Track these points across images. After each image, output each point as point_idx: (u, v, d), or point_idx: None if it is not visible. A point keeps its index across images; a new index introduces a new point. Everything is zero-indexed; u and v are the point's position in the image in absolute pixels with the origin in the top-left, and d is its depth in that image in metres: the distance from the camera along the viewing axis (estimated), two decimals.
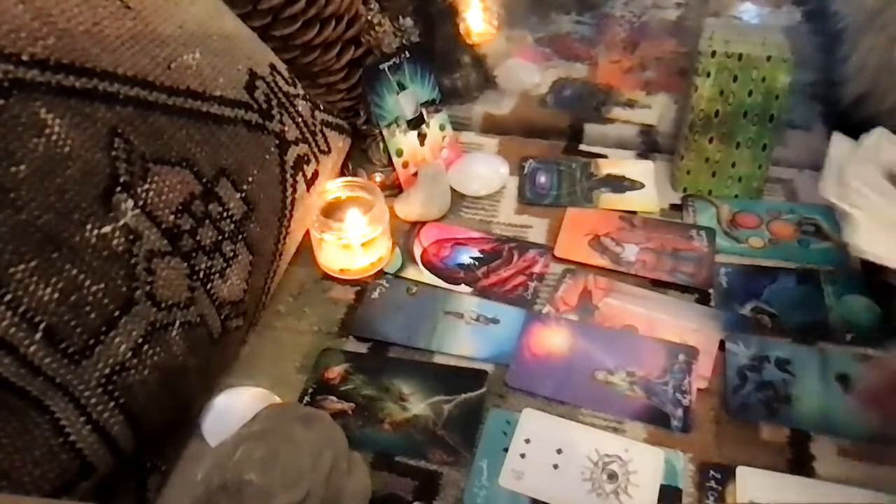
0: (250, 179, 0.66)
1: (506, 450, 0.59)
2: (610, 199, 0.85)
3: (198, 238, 0.60)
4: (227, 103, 0.65)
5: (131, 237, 0.53)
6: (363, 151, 0.88)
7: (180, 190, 0.58)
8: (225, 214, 0.63)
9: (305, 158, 0.75)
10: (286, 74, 0.76)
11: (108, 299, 0.51)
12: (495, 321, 0.70)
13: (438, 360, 0.68)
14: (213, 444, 0.59)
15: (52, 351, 0.47)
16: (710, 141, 0.82)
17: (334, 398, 0.64)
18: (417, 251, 0.78)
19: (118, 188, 0.53)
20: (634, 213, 0.83)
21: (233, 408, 0.62)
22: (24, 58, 0.48)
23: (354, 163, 0.88)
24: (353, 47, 0.85)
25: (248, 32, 0.73)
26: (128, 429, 0.53)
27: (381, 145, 0.85)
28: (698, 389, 0.63)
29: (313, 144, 0.77)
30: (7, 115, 0.46)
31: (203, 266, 0.60)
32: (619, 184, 0.87)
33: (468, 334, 0.69)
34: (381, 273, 0.76)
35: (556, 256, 0.77)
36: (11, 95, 0.47)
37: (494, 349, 0.68)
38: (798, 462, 0.58)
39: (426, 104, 0.87)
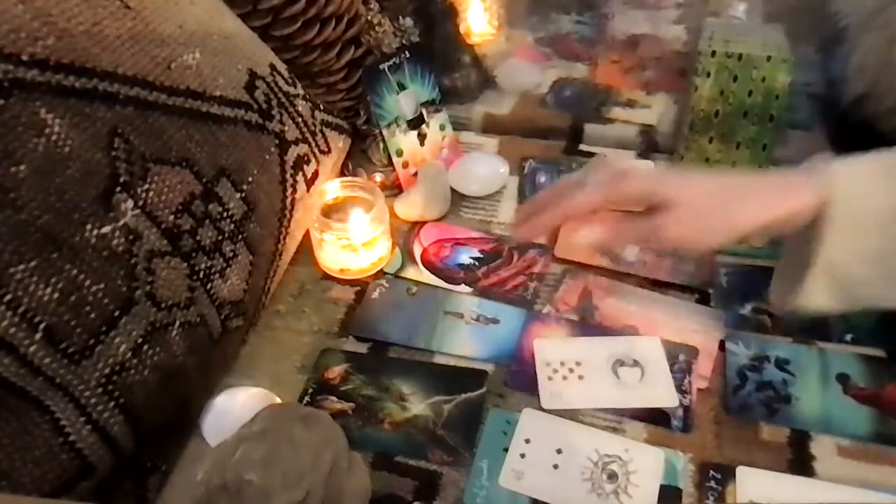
0: (250, 179, 0.66)
1: (506, 450, 0.59)
2: None
3: (198, 238, 0.60)
4: (227, 103, 0.65)
5: (131, 237, 0.53)
6: (363, 151, 0.88)
7: (180, 190, 0.58)
8: (225, 214, 0.63)
9: (305, 158, 0.75)
10: (286, 74, 0.76)
11: (108, 299, 0.51)
12: (495, 321, 0.70)
13: (438, 360, 0.68)
14: (213, 444, 0.59)
15: (52, 351, 0.47)
16: (710, 141, 0.82)
17: (334, 398, 0.64)
18: (417, 251, 0.78)
19: (118, 188, 0.53)
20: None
21: (233, 408, 0.62)
22: (24, 58, 0.48)
23: (354, 163, 0.88)
24: (353, 47, 0.85)
25: (248, 32, 0.73)
26: (128, 429, 0.53)
27: (381, 145, 0.85)
28: (698, 389, 0.63)
29: (313, 144, 0.77)
30: (7, 115, 0.46)
31: (203, 266, 0.60)
32: None
33: (468, 334, 0.69)
34: (381, 273, 0.76)
35: (556, 256, 0.77)
36: (11, 95, 0.47)
37: (494, 349, 0.68)
38: (798, 462, 0.58)
39: (426, 104, 0.87)
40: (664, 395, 0.62)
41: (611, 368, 0.64)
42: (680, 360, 0.65)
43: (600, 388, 0.63)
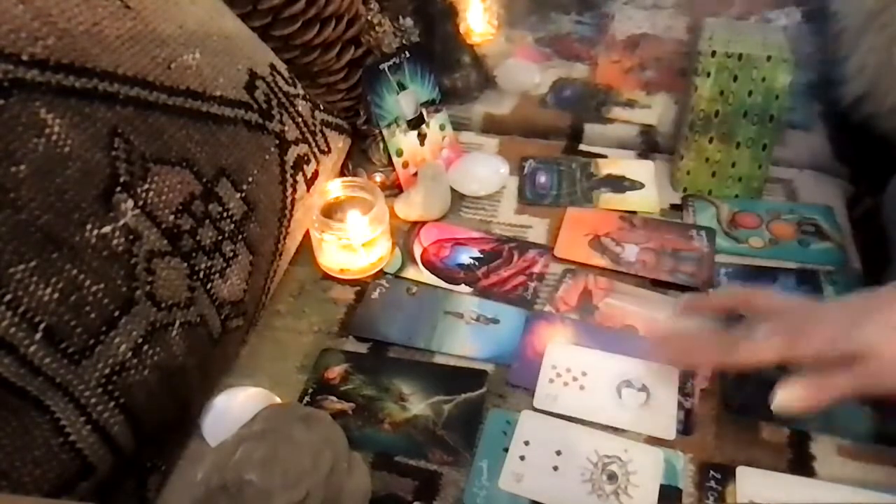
0: (250, 179, 0.66)
1: (506, 450, 0.59)
2: (610, 199, 0.85)
3: (198, 238, 0.60)
4: (227, 103, 0.65)
5: (131, 237, 0.53)
6: (363, 151, 0.88)
7: (180, 190, 0.58)
8: (225, 214, 0.63)
9: (305, 158, 0.75)
10: (286, 74, 0.76)
11: (108, 299, 0.51)
12: (495, 321, 0.70)
13: (438, 360, 0.68)
14: (213, 444, 0.59)
15: (52, 351, 0.47)
16: (710, 141, 0.82)
17: (334, 398, 0.64)
18: (417, 251, 0.78)
19: (118, 188, 0.53)
20: (634, 213, 0.83)
21: (233, 408, 0.62)
22: (24, 58, 0.48)
23: (354, 163, 0.88)
24: (353, 47, 0.85)
25: (248, 32, 0.73)
26: (128, 429, 0.53)
27: (381, 145, 0.85)
28: (699, 390, 0.63)
29: (313, 144, 0.77)
30: (7, 115, 0.46)
31: (203, 266, 0.60)
32: (619, 184, 0.87)
33: (468, 334, 0.69)
34: (381, 273, 0.76)
35: (556, 256, 0.77)
36: (11, 95, 0.47)
37: (494, 349, 0.68)
38: (798, 462, 0.58)
39: (426, 104, 0.87)
40: (662, 426, 0.60)
41: (615, 387, 0.63)
42: None
43: (597, 402, 0.62)
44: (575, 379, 0.64)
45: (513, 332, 0.69)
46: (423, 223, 0.82)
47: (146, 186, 0.55)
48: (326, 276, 0.76)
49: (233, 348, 0.67)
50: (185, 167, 0.59)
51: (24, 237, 0.46)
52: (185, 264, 0.58)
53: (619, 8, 1.18)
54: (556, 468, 0.58)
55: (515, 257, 0.77)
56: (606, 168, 0.89)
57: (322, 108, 0.81)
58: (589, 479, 0.57)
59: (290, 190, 0.72)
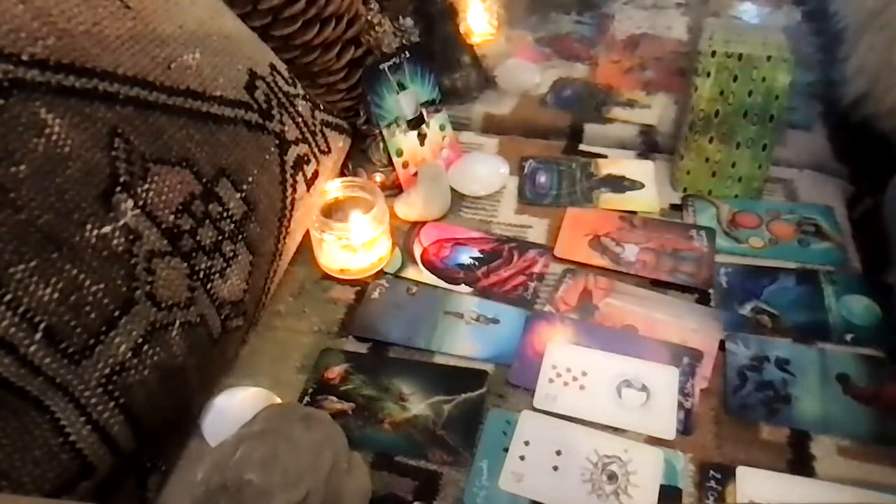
0: (250, 179, 0.66)
1: (506, 450, 0.59)
2: (610, 199, 0.85)
3: (198, 238, 0.60)
4: (227, 103, 0.65)
5: (131, 237, 0.53)
6: (363, 151, 0.88)
7: (180, 190, 0.58)
8: (225, 214, 0.63)
9: (305, 158, 0.75)
10: (286, 74, 0.76)
11: (108, 299, 0.51)
12: (495, 321, 0.70)
13: (438, 360, 0.68)
14: (213, 444, 0.59)
15: (52, 351, 0.47)
16: (710, 141, 0.82)
17: (334, 398, 0.64)
18: (417, 251, 0.78)
19: (118, 188, 0.53)
20: (634, 213, 0.83)
21: (233, 408, 0.62)
22: (24, 58, 0.48)
23: (354, 163, 0.88)
24: (353, 47, 0.85)
25: (248, 32, 0.73)
26: (128, 429, 0.53)
27: (381, 145, 0.85)
28: (699, 390, 0.63)
29: (313, 144, 0.77)
30: (7, 115, 0.46)
31: (203, 266, 0.60)
32: (619, 184, 0.87)
33: (468, 334, 0.69)
34: (381, 273, 0.76)
35: (556, 256, 0.77)
36: (11, 95, 0.47)
37: (494, 349, 0.68)
38: (798, 462, 0.58)
39: (426, 104, 0.87)
40: (662, 426, 0.60)
41: (615, 386, 0.63)
42: (684, 363, 0.65)
43: (598, 402, 0.62)
44: (575, 379, 0.64)
45: (513, 332, 0.69)
46: (423, 223, 0.82)
47: (146, 186, 0.55)
48: (326, 276, 0.76)
49: (233, 348, 0.67)
50: (185, 167, 0.59)
51: (24, 237, 0.46)
52: (185, 264, 0.58)
53: (619, 8, 1.18)
54: (556, 468, 0.58)
55: (515, 257, 0.77)
56: (606, 168, 0.89)
57: (322, 108, 0.81)
58: (589, 479, 0.57)
59: (290, 190, 0.72)
